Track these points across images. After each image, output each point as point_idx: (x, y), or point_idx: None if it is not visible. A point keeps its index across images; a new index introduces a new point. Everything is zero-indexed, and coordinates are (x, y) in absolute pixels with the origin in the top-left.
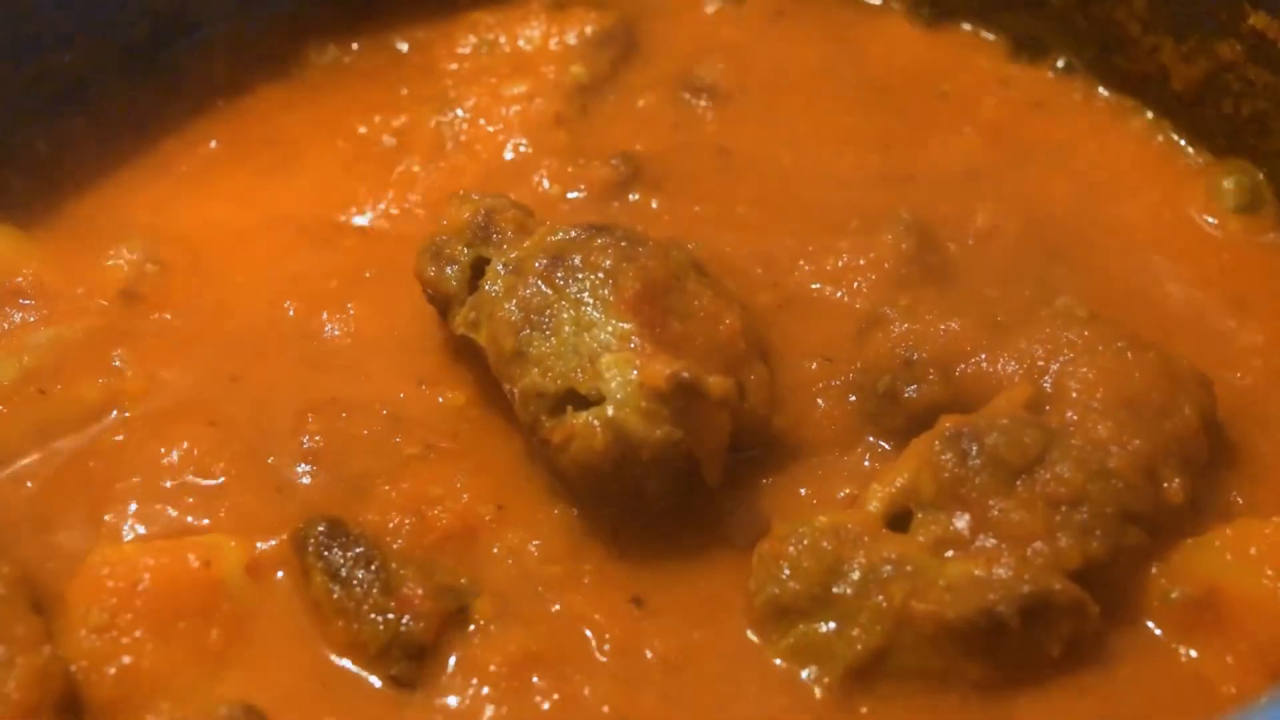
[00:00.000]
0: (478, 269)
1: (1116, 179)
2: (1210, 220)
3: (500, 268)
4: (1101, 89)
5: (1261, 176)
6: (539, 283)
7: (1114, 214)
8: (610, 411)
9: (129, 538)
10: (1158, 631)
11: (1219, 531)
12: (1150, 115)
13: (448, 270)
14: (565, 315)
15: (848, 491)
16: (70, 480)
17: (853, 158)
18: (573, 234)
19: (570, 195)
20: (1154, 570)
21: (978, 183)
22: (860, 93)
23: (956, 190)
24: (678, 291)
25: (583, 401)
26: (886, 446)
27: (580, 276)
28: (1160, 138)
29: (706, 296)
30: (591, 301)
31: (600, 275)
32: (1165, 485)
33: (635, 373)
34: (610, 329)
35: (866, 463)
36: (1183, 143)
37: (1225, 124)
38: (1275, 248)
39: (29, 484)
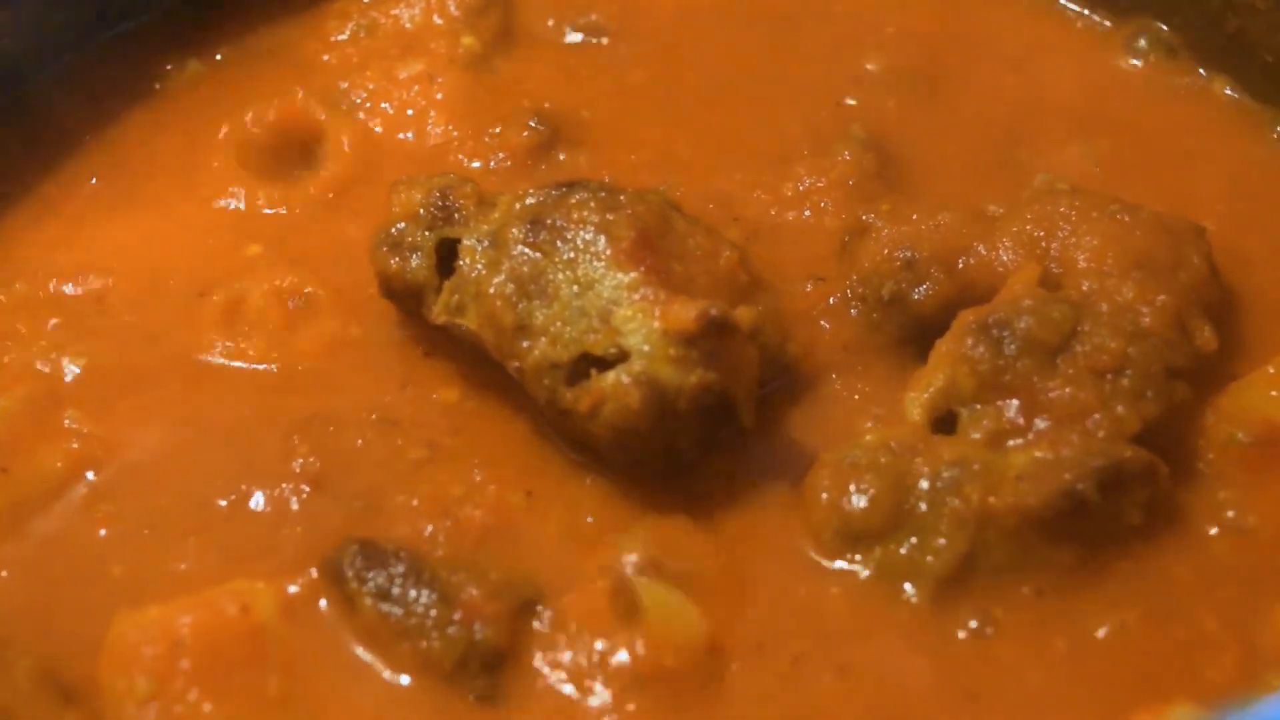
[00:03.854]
0: (444, 252)
1: (1044, 59)
2: (1134, 81)
3: (476, 244)
4: None
5: (1163, 31)
6: (525, 250)
7: (1049, 93)
8: (639, 366)
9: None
10: (1227, 471)
11: (1260, 372)
12: None
13: (412, 259)
14: (561, 278)
15: (879, 408)
16: (57, 558)
17: (775, 86)
18: (543, 195)
19: (495, 167)
20: (1209, 420)
21: (912, 91)
22: (760, 23)
23: (892, 102)
24: (670, 234)
25: (600, 363)
26: (901, 353)
27: (569, 236)
28: (1071, 10)
29: (698, 234)
30: (587, 258)
31: (590, 230)
32: (1197, 335)
33: (657, 321)
34: (614, 282)
35: (887, 373)
36: (1087, 12)
37: None
38: (1199, 95)
39: (5, 573)
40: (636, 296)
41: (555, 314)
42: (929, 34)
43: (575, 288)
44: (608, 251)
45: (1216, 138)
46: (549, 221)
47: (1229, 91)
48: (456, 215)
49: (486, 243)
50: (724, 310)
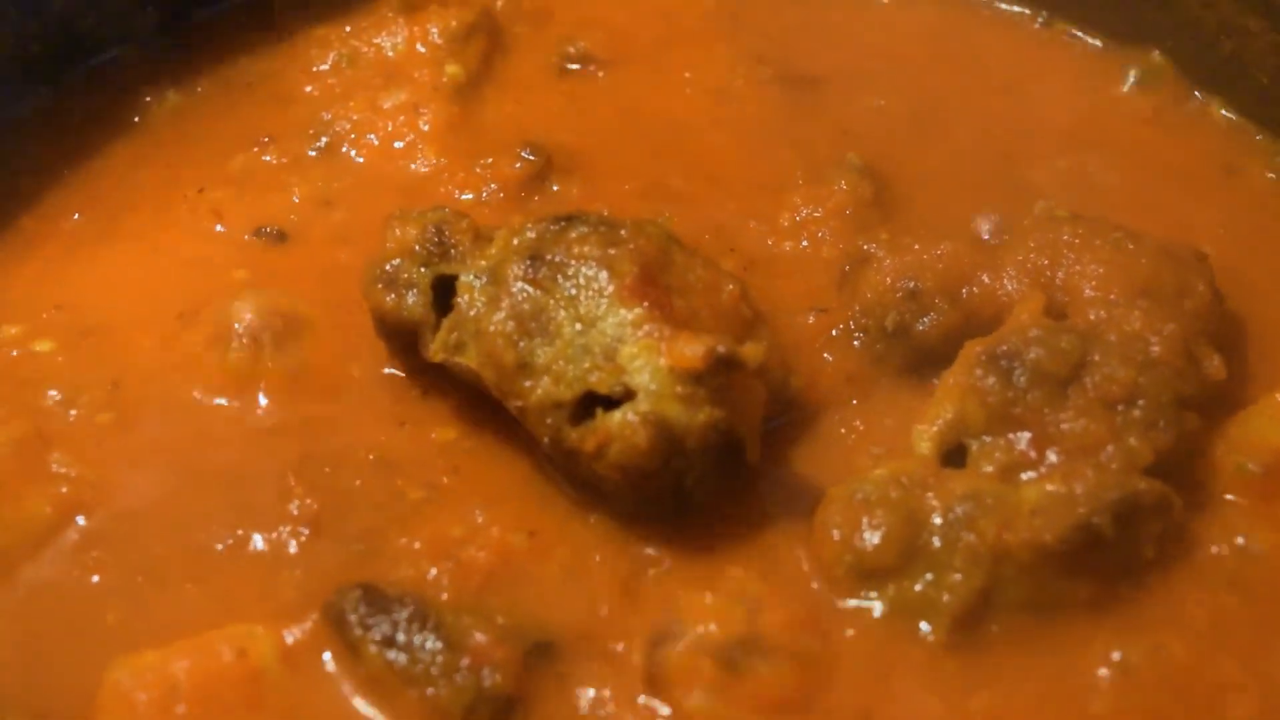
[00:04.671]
0: (440, 289)
1: (1037, 84)
2: (1130, 105)
3: (474, 280)
4: (1001, 4)
5: (1157, 55)
6: (525, 287)
7: (1043, 118)
8: (645, 404)
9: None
10: (1239, 501)
11: (1268, 399)
12: (1045, 15)
13: (408, 296)
14: (563, 315)
15: (884, 441)
16: (47, 607)
17: (770, 114)
18: (542, 230)
19: (487, 198)
20: (1219, 450)
21: (908, 117)
22: (754, 49)
23: (885, 129)
24: (671, 268)
25: (605, 401)
26: (905, 384)
27: (570, 271)
28: (1064, 35)
29: (699, 267)
30: (590, 295)
31: (592, 266)
32: (1205, 363)
33: (663, 359)
34: (617, 319)
35: (892, 405)
36: (1080, 35)
37: (1127, 7)
38: (1194, 118)
39: None
40: (641, 333)
41: (558, 352)
42: (921, 59)
43: (578, 325)
44: (610, 287)
45: (1212, 161)
46: (549, 257)
47: (1224, 114)
48: (452, 251)
49: (485, 279)
50: (731, 347)
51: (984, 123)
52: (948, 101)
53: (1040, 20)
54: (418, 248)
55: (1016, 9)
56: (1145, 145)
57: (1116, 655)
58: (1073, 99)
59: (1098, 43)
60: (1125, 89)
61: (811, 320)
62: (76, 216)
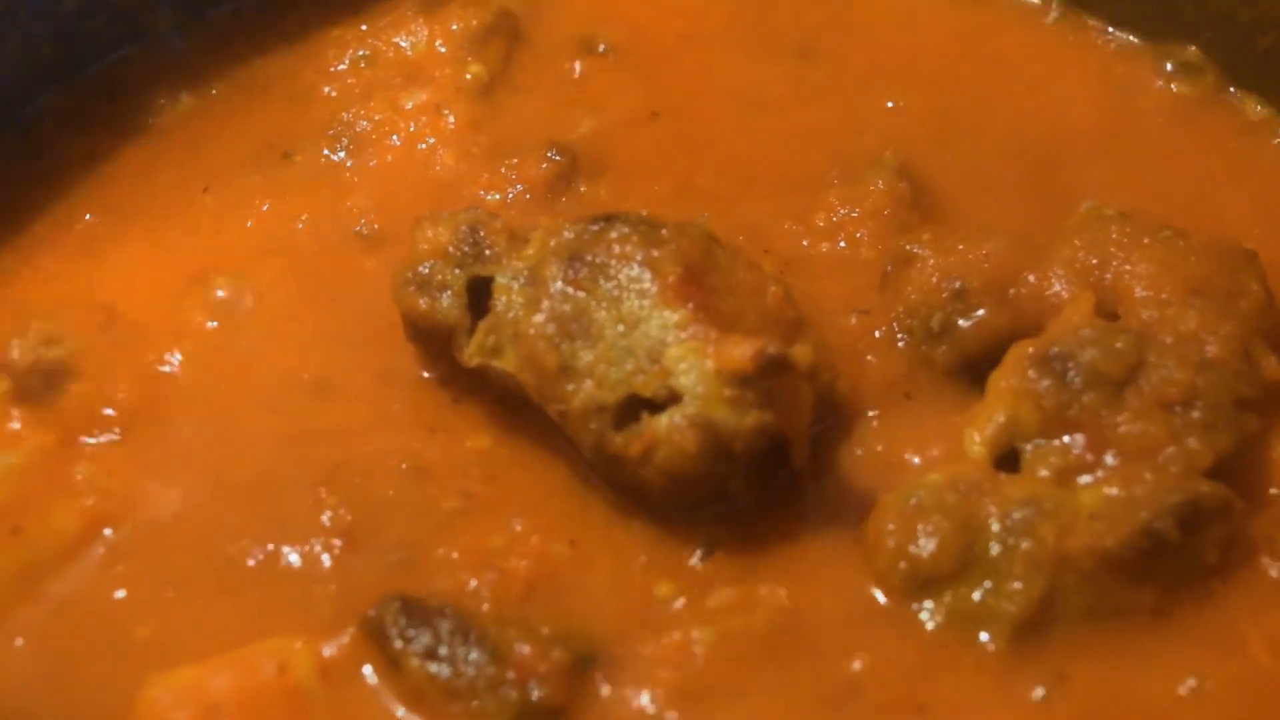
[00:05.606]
0: (474, 291)
1: (1071, 81)
2: (1164, 102)
3: (511, 282)
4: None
5: (1192, 51)
6: (565, 288)
7: (1077, 115)
8: (692, 408)
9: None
10: None
11: None
12: (1075, 11)
13: (442, 299)
14: (605, 316)
15: (932, 443)
16: (76, 622)
17: (795, 112)
18: (581, 230)
19: (514, 199)
20: (1276, 452)
21: (940, 116)
22: (779, 48)
23: (921, 129)
24: (714, 269)
25: (649, 405)
26: (951, 386)
27: (612, 272)
28: (1095, 32)
29: (741, 268)
30: (632, 296)
31: (634, 266)
32: (1262, 364)
33: (710, 361)
34: (661, 320)
35: (939, 407)
36: (1113, 31)
37: (1161, 3)
38: (1230, 115)
39: (21, 640)
40: (686, 335)
41: (600, 355)
42: (949, 57)
43: (620, 326)
44: (653, 288)
45: (1249, 158)
46: (589, 258)
47: (1260, 110)
48: (487, 252)
49: (523, 280)
50: (781, 348)
51: (1016, 121)
52: (978, 100)
53: (1067, 16)
54: (451, 249)
55: (1046, 4)
56: (1179, 143)
57: (1185, 664)
58: (1105, 96)
59: (1130, 39)
60: (1159, 85)
61: (854, 322)
62: (89, 218)
